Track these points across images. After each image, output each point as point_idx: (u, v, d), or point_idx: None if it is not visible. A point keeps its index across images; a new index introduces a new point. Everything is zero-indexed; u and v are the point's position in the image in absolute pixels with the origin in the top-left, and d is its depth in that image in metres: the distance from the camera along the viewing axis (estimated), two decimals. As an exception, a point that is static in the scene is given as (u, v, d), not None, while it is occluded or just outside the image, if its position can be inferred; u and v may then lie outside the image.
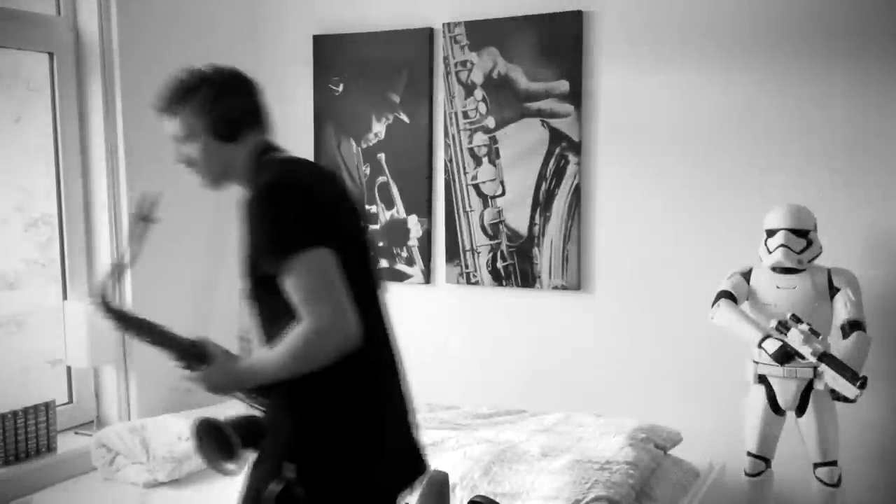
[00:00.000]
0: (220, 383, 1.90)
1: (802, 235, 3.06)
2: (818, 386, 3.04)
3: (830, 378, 2.86)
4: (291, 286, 1.76)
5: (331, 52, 4.15)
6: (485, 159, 3.88)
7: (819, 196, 3.27)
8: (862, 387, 2.79)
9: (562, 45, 3.70)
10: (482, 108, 3.87)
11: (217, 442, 1.91)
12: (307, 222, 1.80)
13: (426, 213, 4.02)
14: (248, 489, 1.92)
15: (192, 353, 1.91)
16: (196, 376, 1.90)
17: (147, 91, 3.84)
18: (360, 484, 1.87)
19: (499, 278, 3.88)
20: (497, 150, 3.85)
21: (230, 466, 1.92)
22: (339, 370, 1.80)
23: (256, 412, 1.97)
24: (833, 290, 3.08)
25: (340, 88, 4.15)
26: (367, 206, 4.13)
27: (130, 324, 1.96)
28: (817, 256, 3.10)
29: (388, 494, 1.99)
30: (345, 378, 1.85)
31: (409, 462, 2.05)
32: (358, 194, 4.12)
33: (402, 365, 2.03)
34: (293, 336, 1.76)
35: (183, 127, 1.95)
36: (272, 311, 1.86)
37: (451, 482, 2.71)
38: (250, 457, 1.93)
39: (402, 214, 4.07)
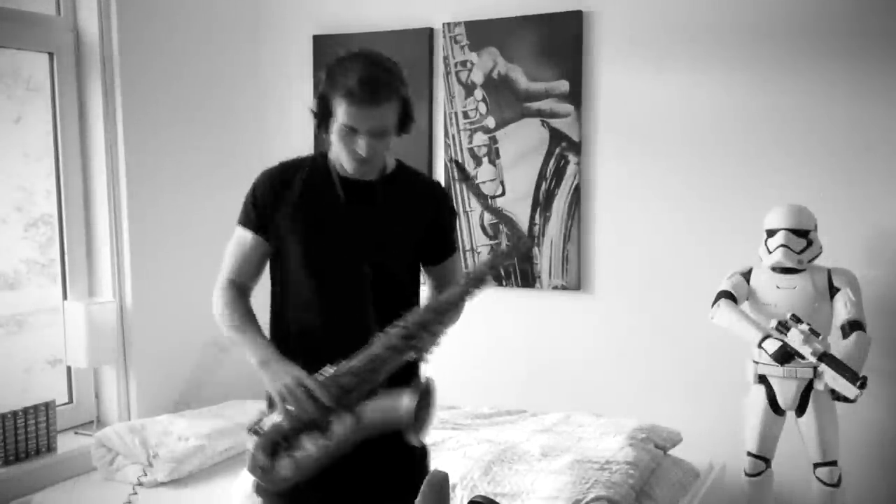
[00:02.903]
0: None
1: (803, 235, 3.06)
2: (818, 386, 3.04)
3: (830, 378, 2.86)
4: (457, 261, 2.15)
5: (331, 52, 4.13)
6: (485, 159, 3.88)
7: (820, 196, 3.27)
8: (862, 387, 2.79)
9: (562, 45, 3.70)
10: (482, 108, 3.87)
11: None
12: None
13: (426, 213, 4.01)
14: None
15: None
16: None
17: (147, 91, 3.83)
18: None
19: (499, 278, 3.88)
20: (497, 150, 3.85)
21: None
22: None
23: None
24: (833, 290, 3.07)
25: (340, 88, 4.14)
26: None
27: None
28: (817, 256, 3.10)
29: None
30: None
31: None
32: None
33: None
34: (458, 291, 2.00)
35: (392, 117, 1.85)
36: (416, 281, 2.13)
37: (451, 482, 2.71)
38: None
39: (402, 214, 4.06)
